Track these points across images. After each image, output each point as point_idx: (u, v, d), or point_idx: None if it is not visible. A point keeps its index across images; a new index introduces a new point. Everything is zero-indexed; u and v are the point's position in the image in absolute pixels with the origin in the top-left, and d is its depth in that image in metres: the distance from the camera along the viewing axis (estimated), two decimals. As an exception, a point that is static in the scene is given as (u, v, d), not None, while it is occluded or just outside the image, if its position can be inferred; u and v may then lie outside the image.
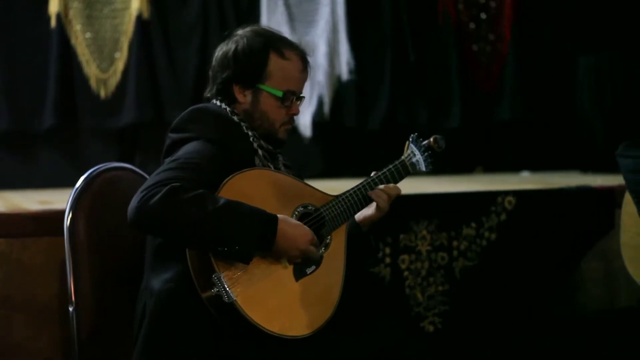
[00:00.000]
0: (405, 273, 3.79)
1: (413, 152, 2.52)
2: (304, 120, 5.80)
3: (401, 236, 3.78)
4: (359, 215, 2.48)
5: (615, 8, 6.36)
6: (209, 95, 2.47)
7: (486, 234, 3.92)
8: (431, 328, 3.81)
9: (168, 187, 2.09)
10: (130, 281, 2.49)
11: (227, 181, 2.20)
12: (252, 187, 2.24)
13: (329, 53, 5.93)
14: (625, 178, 3.30)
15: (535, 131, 6.43)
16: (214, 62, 2.45)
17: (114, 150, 5.69)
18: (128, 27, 5.62)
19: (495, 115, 6.40)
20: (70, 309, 2.51)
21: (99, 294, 2.53)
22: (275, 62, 2.38)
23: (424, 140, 2.54)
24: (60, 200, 3.82)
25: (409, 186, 2.53)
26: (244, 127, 2.38)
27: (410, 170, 2.50)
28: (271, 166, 2.40)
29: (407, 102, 6.23)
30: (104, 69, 5.60)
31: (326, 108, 5.88)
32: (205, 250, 2.14)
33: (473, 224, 3.90)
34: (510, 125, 6.42)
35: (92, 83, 5.57)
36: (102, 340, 2.53)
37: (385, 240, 3.75)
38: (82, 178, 2.58)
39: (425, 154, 2.52)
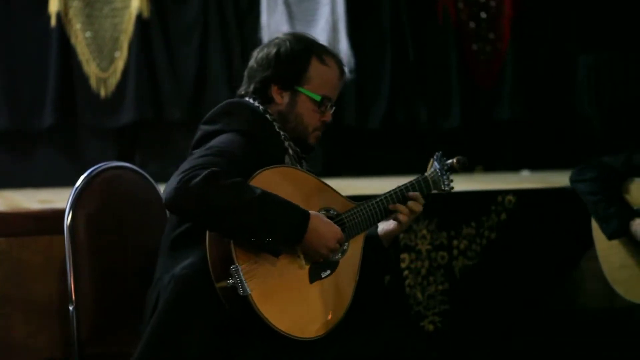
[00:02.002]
0: (405, 272, 3.79)
1: (436, 170, 2.53)
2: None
3: (401, 235, 3.78)
4: (381, 230, 2.50)
5: (615, 8, 6.37)
6: (243, 92, 2.47)
7: (486, 233, 3.92)
8: (431, 327, 3.81)
9: (208, 170, 2.12)
10: (130, 280, 2.49)
11: (258, 173, 2.22)
12: (281, 182, 2.26)
13: (329, 52, 5.93)
14: (585, 202, 3.36)
15: (535, 130, 6.44)
16: (252, 62, 2.46)
17: (113, 149, 5.70)
18: (128, 26, 5.62)
19: (495, 115, 6.40)
20: (70, 307, 2.51)
21: (98, 293, 2.53)
22: (315, 67, 2.43)
23: (447, 159, 2.55)
24: (60, 199, 3.82)
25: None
26: (276, 127, 2.40)
27: (432, 188, 2.52)
28: (299, 167, 2.42)
29: (407, 101, 6.23)
30: (103, 68, 5.60)
31: (326, 107, 5.87)
32: (236, 237, 2.15)
33: (473, 223, 3.91)
34: (510, 124, 6.42)
35: (92, 82, 5.58)
36: (102, 339, 2.53)
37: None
38: (82, 177, 2.59)
39: (447, 173, 2.53)
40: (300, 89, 2.42)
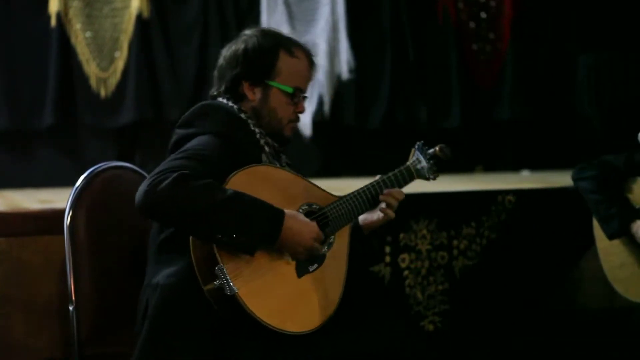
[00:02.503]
0: (406, 272, 3.79)
1: (418, 159, 2.55)
2: (304, 119, 5.79)
3: (401, 235, 3.78)
4: (362, 219, 2.50)
5: (615, 8, 6.37)
6: (215, 93, 2.48)
7: (486, 233, 3.92)
8: (431, 327, 3.81)
9: (178, 173, 2.12)
10: (130, 280, 2.49)
11: (233, 175, 2.22)
12: (258, 182, 2.26)
13: (329, 52, 5.93)
14: (586, 200, 3.36)
15: (535, 130, 6.44)
16: (221, 61, 2.47)
17: (113, 149, 5.69)
18: (128, 26, 5.62)
19: (495, 115, 6.40)
20: (70, 308, 2.51)
21: (98, 293, 2.53)
22: (284, 60, 2.42)
23: (429, 148, 2.56)
24: (60, 199, 3.82)
25: (409, 185, 2.54)
26: (251, 125, 2.40)
27: (415, 176, 2.54)
28: (277, 164, 2.42)
29: (407, 101, 6.23)
30: (103, 67, 5.60)
31: (326, 107, 5.88)
32: (209, 239, 2.15)
33: (473, 223, 3.90)
34: (510, 124, 6.42)
35: (92, 82, 5.57)
36: (102, 338, 2.53)
37: (385, 239, 3.75)
38: (82, 177, 2.59)
39: (431, 162, 2.55)
40: (272, 83, 2.42)
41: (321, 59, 5.90)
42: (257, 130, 2.40)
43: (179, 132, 2.38)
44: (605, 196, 3.32)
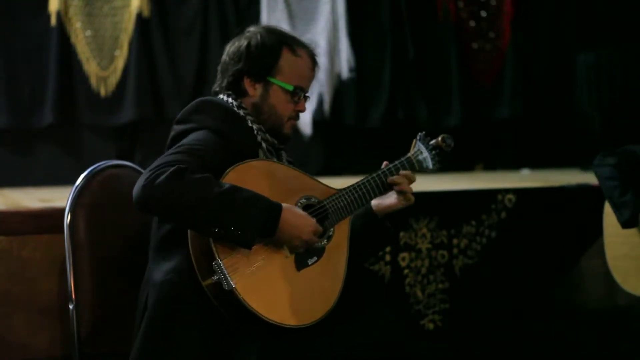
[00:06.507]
0: (406, 271, 3.79)
1: (420, 150, 2.55)
2: (304, 118, 5.79)
3: (401, 234, 3.78)
4: (374, 204, 2.50)
5: (615, 6, 6.37)
6: (217, 88, 2.49)
7: (486, 231, 3.92)
8: (431, 326, 3.81)
9: (175, 167, 2.13)
10: (130, 278, 2.49)
11: (230, 170, 2.22)
12: (255, 177, 2.26)
13: (329, 51, 5.94)
14: (602, 186, 3.35)
15: (535, 129, 6.44)
16: (225, 56, 2.48)
17: (113, 147, 5.69)
18: (128, 25, 5.62)
19: (495, 113, 6.40)
20: (71, 306, 2.51)
21: (98, 291, 2.53)
22: (287, 58, 2.43)
23: (431, 139, 2.56)
24: (60, 197, 3.83)
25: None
26: (249, 121, 2.41)
27: (416, 168, 2.53)
28: (275, 160, 2.42)
29: (407, 99, 6.23)
30: (104, 66, 5.60)
31: (326, 106, 5.88)
32: (207, 232, 2.15)
33: (473, 222, 3.91)
34: (510, 122, 6.42)
35: (92, 81, 5.57)
36: (102, 337, 2.53)
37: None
38: (82, 176, 2.59)
39: (433, 152, 2.55)
40: (272, 80, 2.42)
41: (321, 58, 5.90)
42: (255, 126, 2.40)
43: (176, 127, 2.40)
44: (621, 183, 3.30)
